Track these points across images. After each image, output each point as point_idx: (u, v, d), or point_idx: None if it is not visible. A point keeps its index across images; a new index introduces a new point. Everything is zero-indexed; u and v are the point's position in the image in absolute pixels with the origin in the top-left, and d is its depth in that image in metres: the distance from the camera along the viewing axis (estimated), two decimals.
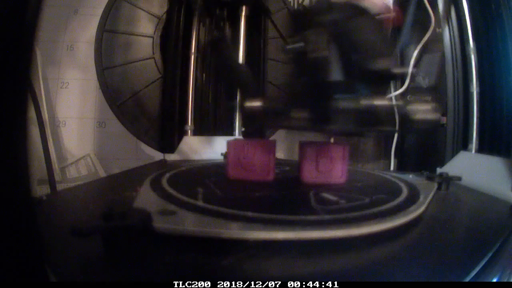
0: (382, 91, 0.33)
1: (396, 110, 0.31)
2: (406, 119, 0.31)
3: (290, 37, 0.33)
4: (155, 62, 0.70)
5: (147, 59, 0.70)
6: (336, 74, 0.30)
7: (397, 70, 0.32)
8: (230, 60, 0.37)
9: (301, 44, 0.31)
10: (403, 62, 0.61)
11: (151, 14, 0.71)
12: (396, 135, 0.61)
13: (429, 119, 0.31)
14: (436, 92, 0.59)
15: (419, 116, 0.31)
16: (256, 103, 0.35)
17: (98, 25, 0.69)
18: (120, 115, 0.69)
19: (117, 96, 0.69)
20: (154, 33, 0.71)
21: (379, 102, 0.29)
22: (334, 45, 0.30)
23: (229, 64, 0.38)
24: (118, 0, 0.69)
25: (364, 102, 0.28)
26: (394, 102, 0.31)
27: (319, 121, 0.31)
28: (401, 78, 0.33)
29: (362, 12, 0.32)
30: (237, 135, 0.69)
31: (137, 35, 0.71)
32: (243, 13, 0.66)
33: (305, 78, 0.33)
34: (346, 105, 0.30)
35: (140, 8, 0.70)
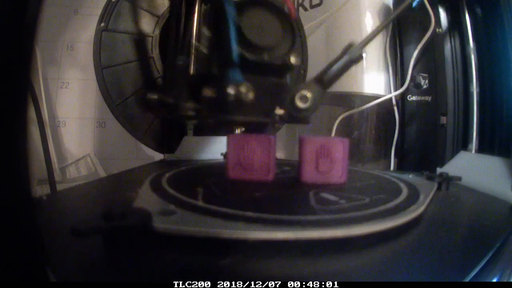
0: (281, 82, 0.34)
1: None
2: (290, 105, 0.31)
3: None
4: (154, 62, 0.70)
5: (146, 58, 0.70)
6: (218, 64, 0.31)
7: (293, 61, 0.33)
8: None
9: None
10: (403, 62, 0.61)
11: (151, 13, 0.71)
12: (396, 135, 0.61)
13: (306, 108, 0.31)
14: (436, 92, 0.59)
15: (299, 104, 0.31)
16: (153, 96, 0.35)
17: (97, 24, 0.69)
18: (119, 116, 0.69)
19: (116, 95, 0.69)
20: (153, 32, 0.71)
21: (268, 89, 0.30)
22: (221, 35, 0.30)
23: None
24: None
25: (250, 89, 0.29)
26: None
27: (208, 112, 0.32)
28: (298, 69, 0.34)
29: (264, 3, 0.32)
30: None
31: (136, 34, 0.71)
32: None
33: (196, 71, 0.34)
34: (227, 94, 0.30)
35: (140, 8, 0.70)
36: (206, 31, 0.32)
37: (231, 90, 0.28)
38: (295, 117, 0.32)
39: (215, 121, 0.36)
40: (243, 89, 0.28)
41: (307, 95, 0.31)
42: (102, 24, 0.69)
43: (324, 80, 0.36)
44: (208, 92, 0.31)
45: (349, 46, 0.38)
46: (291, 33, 0.33)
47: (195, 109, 0.33)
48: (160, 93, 0.35)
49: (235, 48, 0.29)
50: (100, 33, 0.69)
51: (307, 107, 0.31)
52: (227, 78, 0.29)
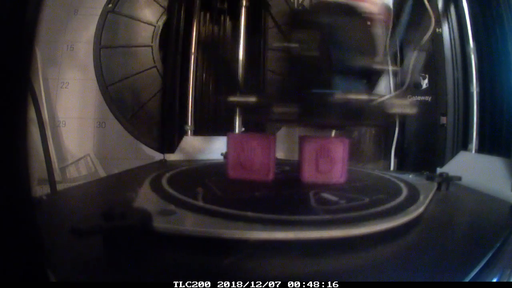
0: (370, 87, 0.35)
1: (376, 104, 0.32)
2: (384, 114, 0.32)
3: (287, 37, 0.35)
4: (158, 71, 0.71)
5: (149, 69, 0.71)
6: (322, 71, 0.32)
7: (378, 67, 0.34)
8: (219, 61, 0.40)
9: (296, 44, 0.33)
10: (403, 62, 0.61)
11: (147, 24, 0.71)
12: (396, 135, 0.61)
13: (407, 113, 0.33)
14: (435, 91, 0.59)
15: (397, 110, 0.32)
16: (249, 99, 0.36)
17: (94, 42, 0.69)
18: (120, 116, 0.69)
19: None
20: (152, 42, 0.71)
21: (359, 96, 0.31)
22: (325, 44, 0.31)
23: (219, 64, 0.40)
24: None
25: (346, 96, 0.30)
26: (374, 97, 0.32)
27: (304, 115, 0.33)
28: (383, 74, 0.36)
29: (353, 12, 0.33)
30: None
31: (135, 46, 0.71)
32: (244, 4, 0.65)
33: (295, 75, 0.35)
34: (329, 100, 0.31)
35: (135, 19, 0.71)
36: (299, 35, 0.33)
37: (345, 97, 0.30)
38: (384, 120, 0.34)
39: (322, 125, 0.39)
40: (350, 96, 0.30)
41: (408, 102, 0.33)
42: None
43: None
44: (321, 98, 0.32)
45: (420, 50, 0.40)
46: (373, 39, 0.34)
47: (292, 113, 0.34)
48: (242, 96, 0.37)
49: (334, 56, 0.31)
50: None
51: (412, 112, 0.34)
52: (339, 87, 0.31)
